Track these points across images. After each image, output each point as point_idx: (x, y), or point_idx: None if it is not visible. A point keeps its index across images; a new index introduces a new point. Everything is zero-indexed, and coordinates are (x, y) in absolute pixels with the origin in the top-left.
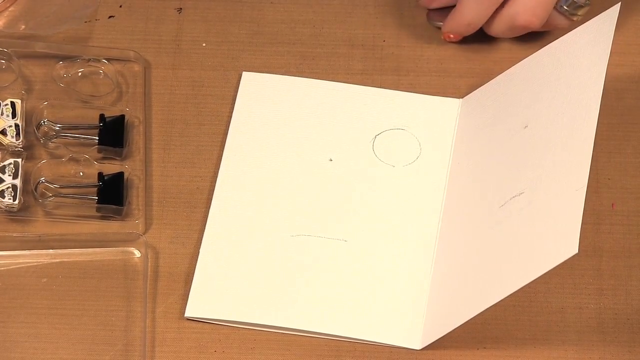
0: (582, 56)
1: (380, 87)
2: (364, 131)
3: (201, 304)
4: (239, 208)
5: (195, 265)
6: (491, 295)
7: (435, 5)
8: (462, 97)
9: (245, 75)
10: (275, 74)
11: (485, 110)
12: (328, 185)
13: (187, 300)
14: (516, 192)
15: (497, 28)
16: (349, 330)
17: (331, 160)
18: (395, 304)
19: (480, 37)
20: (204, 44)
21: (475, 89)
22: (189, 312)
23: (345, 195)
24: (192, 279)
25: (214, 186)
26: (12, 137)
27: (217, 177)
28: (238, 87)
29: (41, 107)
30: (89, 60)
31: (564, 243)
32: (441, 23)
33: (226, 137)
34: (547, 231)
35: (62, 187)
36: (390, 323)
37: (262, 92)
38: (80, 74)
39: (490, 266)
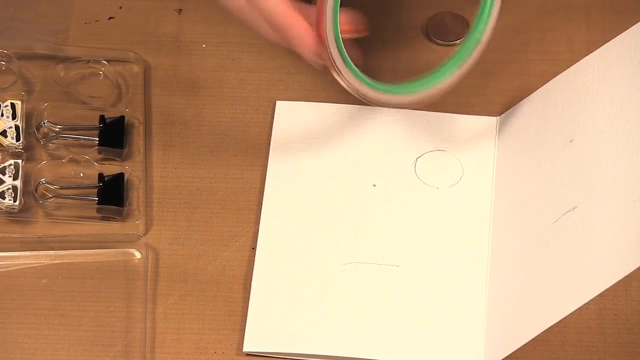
0: (625, 64)
1: (415, 109)
2: (404, 154)
3: (258, 337)
4: (287, 239)
5: (195, 264)
6: (555, 312)
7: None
8: (498, 115)
9: (279, 105)
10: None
11: (526, 126)
12: (374, 211)
13: (190, 304)
14: (569, 207)
15: None
16: (407, 357)
17: (374, 185)
18: (453, 327)
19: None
20: (203, 45)
21: (510, 105)
22: (247, 347)
23: (392, 219)
24: (247, 311)
25: (214, 187)
26: (13, 138)
27: (222, 179)
28: (237, 88)
29: (41, 108)
30: (88, 61)
31: (627, 254)
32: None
33: (225, 137)
34: (606, 244)
35: (62, 188)
36: (450, 347)
37: (297, 120)
38: (80, 75)
39: (550, 283)
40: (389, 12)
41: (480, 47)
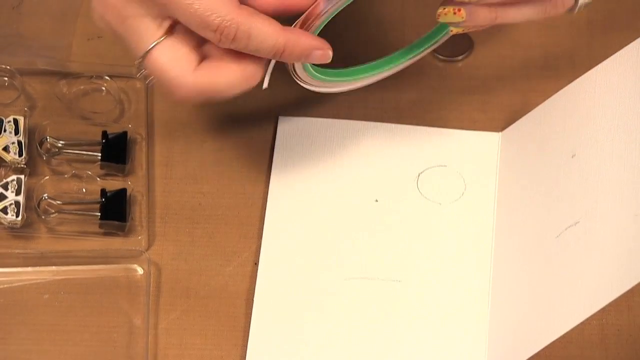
0: (626, 79)
1: (417, 125)
2: (406, 170)
3: (261, 353)
4: (289, 254)
5: (197, 279)
6: (558, 326)
7: None
8: (500, 131)
9: (282, 120)
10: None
11: (528, 141)
12: (376, 226)
13: (192, 319)
14: (571, 221)
15: None
16: None
17: (377, 200)
18: (455, 342)
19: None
20: None
21: (512, 121)
22: None
23: (395, 235)
24: (249, 326)
25: (216, 202)
26: (15, 153)
27: (224, 194)
28: (239, 103)
29: (44, 124)
30: (91, 77)
31: (629, 269)
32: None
33: (227, 152)
34: (608, 259)
35: (64, 203)
36: None
37: (300, 136)
38: (82, 91)
39: (552, 297)
40: (393, 29)
41: (430, 48)
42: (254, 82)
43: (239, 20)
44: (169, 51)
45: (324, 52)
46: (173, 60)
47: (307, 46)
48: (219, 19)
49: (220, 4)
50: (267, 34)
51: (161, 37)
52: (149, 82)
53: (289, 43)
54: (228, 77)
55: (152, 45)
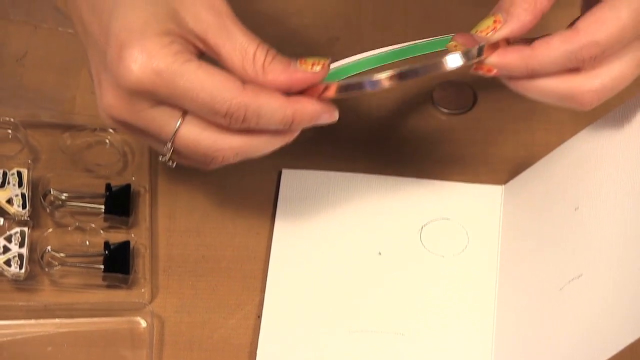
0: (628, 132)
1: (420, 178)
2: (409, 223)
3: None
4: (292, 307)
5: (201, 332)
6: None
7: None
8: (503, 184)
9: (285, 173)
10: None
11: (531, 195)
12: (380, 279)
13: None
14: (574, 274)
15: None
16: None
17: (380, 253)
18: None
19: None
20: None
21: (515, 174)
22: None
23: (398, 288)
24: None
25: (219, 255)
26: (19, 206)
27: (227, 247)
28: None
29: (47, 176)
30: (95, 129)
31: (633, 321)
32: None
33: (231, 205)
34: (612, 312)
35: (68, 256)
36: None
37: (303, 189)
38: (86, 143)
39: (556, 351)
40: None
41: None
42: (290, 138)
43: (246, 102)
44: (194, 125)
45: (330, 115)
46: (204, 131)
47: (314, 113)
48: (226, 104)
49: (224, 90)
50: (275, 109)
51: (180, 117)
52: (173, 164)
53: (297, 114)
54: (262, 136)
55: (177, 125)
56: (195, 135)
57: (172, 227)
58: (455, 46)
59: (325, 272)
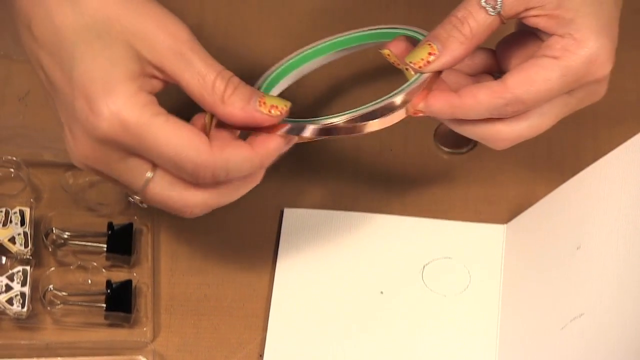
0: (631, 171)
1: (422, 217)
2: (411, 262)
3: None
4: (294, 347)
5: None
6: None
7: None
8: (505, 223)
9: (287, 212)
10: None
11: (533, 234)
12: (381, 318)
13: None
14: (576, 313)
15: None
16: None
17: (382, 292)
18: None
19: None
20: None
21: (517, 213)
22: None
23: (400, 327)
24: None
25: (221, 294)
26: (21, 244)
27: (229, 285)
28: (244, 196)
29: (50, 215)
30: None
31: None
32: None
33: (232, 244)
34: (615, 351)
35: (70, 294)
36: None
37: (304, 228)
38: (88, 182)
39: None
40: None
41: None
42: (259, 179)
43: (213, 160)
44: (163, 179)
45: (289, 142)
46: (172, 186)
47: (278, 148)
48: (191, 164)
49: (189, 148)
50: (243, 160)
51: (150, 171)
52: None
53: (263, 158)
54: (231, 184)
55: (146, 179)
56: (163, 190)
57: (174, 265)
58: (389, 55)
59: (327, 311)
